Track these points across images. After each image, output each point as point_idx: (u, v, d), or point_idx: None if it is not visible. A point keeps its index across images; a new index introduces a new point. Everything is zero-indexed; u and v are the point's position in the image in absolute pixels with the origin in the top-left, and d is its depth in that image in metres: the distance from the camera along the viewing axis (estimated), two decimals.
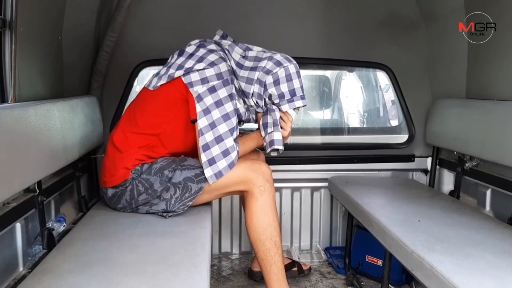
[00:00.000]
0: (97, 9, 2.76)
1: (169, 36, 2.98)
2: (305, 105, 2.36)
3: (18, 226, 1.85)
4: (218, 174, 2.15)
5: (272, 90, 2.27)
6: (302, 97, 2.32)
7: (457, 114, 2.77)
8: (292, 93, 2.29)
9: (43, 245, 1.99)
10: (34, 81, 2.18)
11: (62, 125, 2.12)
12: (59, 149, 2.07)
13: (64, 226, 2.27)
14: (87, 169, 2.75)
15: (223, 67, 2.20)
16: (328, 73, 3.92)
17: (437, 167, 3.10)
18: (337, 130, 3.84)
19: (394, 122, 3.61)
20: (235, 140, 2.21)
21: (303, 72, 3.61)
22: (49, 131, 1.98)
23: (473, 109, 2.61)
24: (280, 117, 2.34)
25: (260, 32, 3.06)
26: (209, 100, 2.14)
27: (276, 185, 3.11)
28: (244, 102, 2.38)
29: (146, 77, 3.34)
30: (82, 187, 2.63)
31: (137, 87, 3.27)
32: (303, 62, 3.24)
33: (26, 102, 1.91)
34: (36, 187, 1.92)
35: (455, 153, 2.83)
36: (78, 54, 2.70)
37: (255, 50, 2.37)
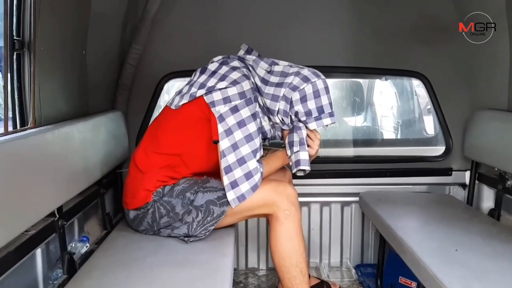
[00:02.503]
0: (121, 21, 2.73)
1: (194, 47, 2.92)
2: (333, 123, 2.24)
3: (38, 252, 1.83)
4: (241, 198, 2.07)
5: (298, 107, 2.17)
6: (331, 114, 2.20)
7: (498, 127, 2.59)
8: (320, 110, 2.18)
9: (64, 271, 1.96)
10: (57, 101, 2.15)
11: (82, 145, 2.08)
12: (80, 172, 2.04)
13: (87, 246, 2.24)
14: (112, 184, 2.71)
15: (246, 85, 2.11)
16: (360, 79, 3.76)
17: (476, 182, 2.92)
18: (368, 142, 3.68)
19: (430, 133, 3.43)
20: (259, 161, 2.11)
21: (333, 81, 3.51)
22: (69, 154, 1.94)
23: None
24: (307, 134, 2.23)
25: (287, 41, 2.96)
26: (231, 120, 2.05)
27: (305, 199, 3.06)
28: (269, 119, 2.29)
29: (171, 89, 3.30)
30: (107, 203, 2.60)
31: (165, 95, 3.23)
32: (333, 71, 3.14)
33: (44, 126, 1.87)
34: (56, 212, 1.88)
35: (496, 169, 2.66)
36: (103, 68, 2.67)
37: (282, 65, 2.27)
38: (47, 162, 1.73)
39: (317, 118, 2.18)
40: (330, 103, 2.21)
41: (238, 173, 2.05)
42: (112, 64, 2.78)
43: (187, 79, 2.35)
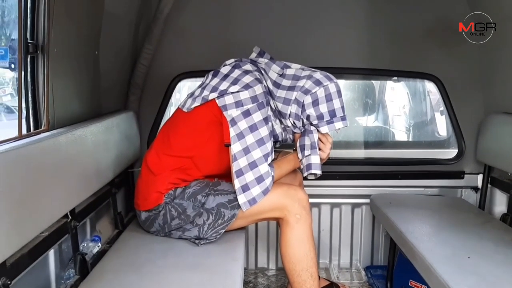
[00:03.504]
0: (134, 21, 2.74)
1: (207, 47, 2.92)
2: (346, 126, 2.23)
3: (51, 253, 1.84)
4: (252, 201, 2.07)
5: (310, 110, 2.16)
6: (343, 118, 2.19)
7: None
8: (332, 114, 2.17)
9: (76, 271, 1.97)
10: (70, 102, 2.17)
11: (95, 148, 2.10)
12: (92, 174, 2.06)
13: (99, 246, 2.25)
14: (123, 184, 2.73)
15: (258, 89, 2.10)
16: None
17: (489, 186, 2.89)
18: (380, 143, 3.65)
19: (442, 134, 3.40)
20: (270, 164, 2.11)
21: (345, 82, 3.48)
22: (82, 157, 1.96)
23: None
24: (319, 138, 2.22)
25: (301, 42, 2.94)
26: (243, 124, 2.05)
27: (315, 200, 3.06)
28: (281, 122, 2.28)
29: (183, 88, 3.31)
30: (119, 202, 2.61)
31: (177, 94, 3.23)
32: (346, 73, 3.12)
33: (57, 130, 1.88)
34: (69, 214, 1.89)
35: (510, 174, 2.63)
36: (115, 68, 2.68)
37: (294, 68, 2.26)
38: (61, 165, 1.75)
39: (329, 122, 2.17)
40: (342, 107, 2.20)
41: (249, 177, 2.05)
42: (125, 64, 2.79)
43: (199, 79, 2.35)
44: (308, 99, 2.15)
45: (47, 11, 1.84)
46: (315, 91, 2.15)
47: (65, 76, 2.07)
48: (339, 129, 2.22)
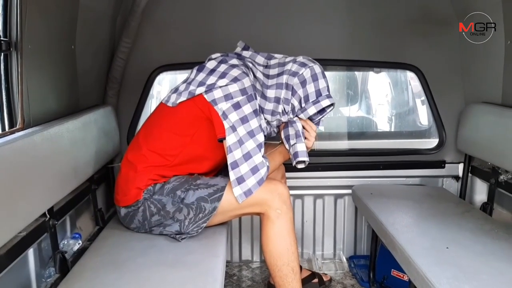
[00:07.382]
0: (111, 15, 2.69)
1: (185, 40, 2.88)
2: (332, 104, 2.23)
3: (30, 252, 1.82)
4: (248, 193, 2.06)
5: (300, 92, 2.17)
6: (328, 96, 2.21)
7: (491, 122, 2.57)
8: (318, 93, 2.19)
9: (56, 269, 1.96)
10: (46, 99, 2.12)
11: (72, 145, 2.06)
12: (70, 172, 2.02)
13: (79, 243, 2.24)
14: (103, 179, 2.70)
15: (246, 82, 2.10)
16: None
17: (469, 175, 2.93)
18: (362, 134, 3.66)
19: (424, 125, 3.42)
20: (264, 156, 2.11)
21: (327, 74, 3.47)
22: (59, 155, 1.92)
23: (510, 119, 2.40)
24: (303, 127, 2.23)
25: (281, 34, 2.92)
26: (234, 116, 2.05)
27: (298, 192, 3.08)
28: (265, 117, 2.27)
29: (162, 82, 3.27)
30: (99, 198, 2.59)
31: (157, 87, 3.20)
32: (326, 64, 3.09)
33: (32, 128, 1.84)
34: (47, 212, 1.87)
35: (489, 163, 2.65)
36: (93, 62, 2.63)
37: (277, 57, 2.29)
38: (36, 164, 1.72)
39: (315, 102, 2.18)
40: (327, 86, 2.22)
41: (244, 168, 2.05)
42: (102, 58, 2.75)
43: (179, 72, 2.33)
44: (296, 81, 2.17)
45: (19, 6, 1.79)
46: (302, 72, 2.16)
47: (40, 73, 2.03)
48: (324, 113, 2.25)
